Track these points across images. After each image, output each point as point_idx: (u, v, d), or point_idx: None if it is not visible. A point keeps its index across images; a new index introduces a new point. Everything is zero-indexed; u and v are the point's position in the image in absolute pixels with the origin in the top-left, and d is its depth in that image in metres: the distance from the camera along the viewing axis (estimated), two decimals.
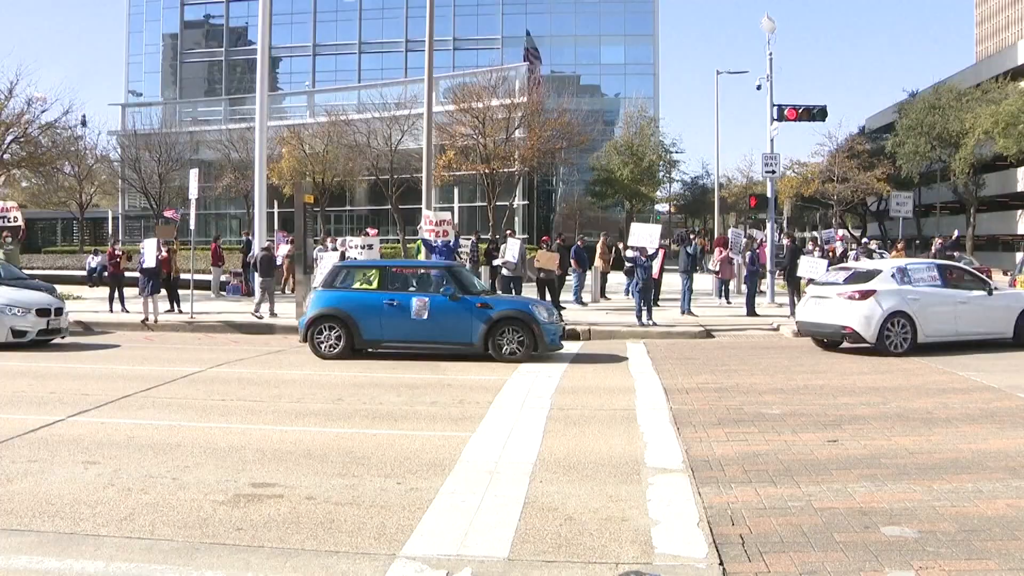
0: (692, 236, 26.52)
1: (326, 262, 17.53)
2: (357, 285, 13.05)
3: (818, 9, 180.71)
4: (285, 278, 25.60)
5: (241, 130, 42.12)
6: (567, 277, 21.43)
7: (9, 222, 21.33)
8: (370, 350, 12.91)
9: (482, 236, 27.12)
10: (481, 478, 6.06)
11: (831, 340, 13.85)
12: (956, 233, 24.95)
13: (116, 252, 20.37)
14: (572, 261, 21.87)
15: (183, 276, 20.40)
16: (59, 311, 14.50)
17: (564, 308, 18.50)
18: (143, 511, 5.28)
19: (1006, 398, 9.27)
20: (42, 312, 14.01)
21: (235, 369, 11.73)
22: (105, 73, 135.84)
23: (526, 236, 38.90)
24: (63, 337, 14.64)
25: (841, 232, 39.84)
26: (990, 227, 51.80)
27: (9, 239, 21.34)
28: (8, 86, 31.69)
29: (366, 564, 4.45)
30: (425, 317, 12.30)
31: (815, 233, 55.24)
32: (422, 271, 13.62)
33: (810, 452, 6.82)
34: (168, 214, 21.61)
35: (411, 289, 12.80)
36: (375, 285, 12.90)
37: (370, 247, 17.41)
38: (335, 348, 12.55)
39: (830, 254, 21.84)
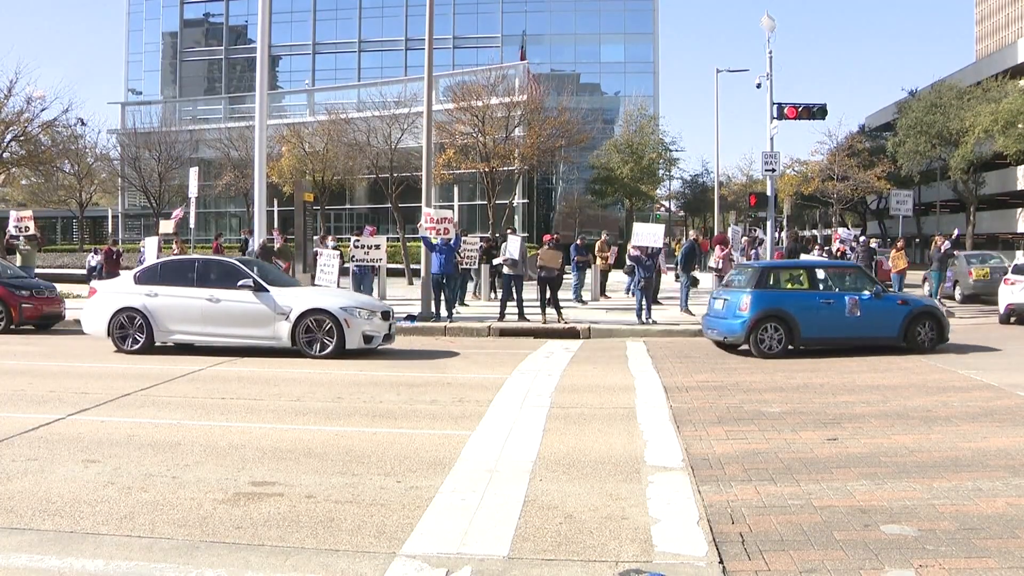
0: (696, 236, 26.48)
1: (324, 260, 17.50)
2: (788, 286, 13.69)
3: (818, 8, 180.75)
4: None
5: (241, 128, 42.08)
6: (565, 275, 21.44)
7: (22, 231, 21.38)
8: (801, 348, 13.20)
9: (482, 236, 27.11)
10: (481, 477, 6.06)
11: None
12: (956, 232, 24.93)
13: (114, 250, 20.40)
14: (575, 257, 21.95)
15: None
16: (393, 314, 13.66)
17: (563, 307, 18.49)
18: (143, 510, 5.28)
19: (1006, 396, 9.28)
20: (385, 316, 13.07)
21: (235, 367, 11.73)
22: (105, 72, 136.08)
23: (526, 235, 38.89)
24: (392, 342, 13.52)
25: (842, 231, 39.84)
26: (990, 225, 51.79)
27: (22, 238, 21.54)
28: (8, 84, 31.64)
29: (366, 562, 4.45)
30: (858, 314, 13.07)
31: (815, 231, 55.22)
32: (839, 272, 14.60)
33: (810, 450, 6.82)
34: (175, 214, 21.57)
35: (833, 288, 13.58)
36: (806, 285, 13.66)
37: (377, 247, 17.33)
38: (775, 348, 12.87)
39: (840, 253, 21.77)
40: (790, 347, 12.99)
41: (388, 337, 13.08)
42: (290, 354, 12.50)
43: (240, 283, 12.51)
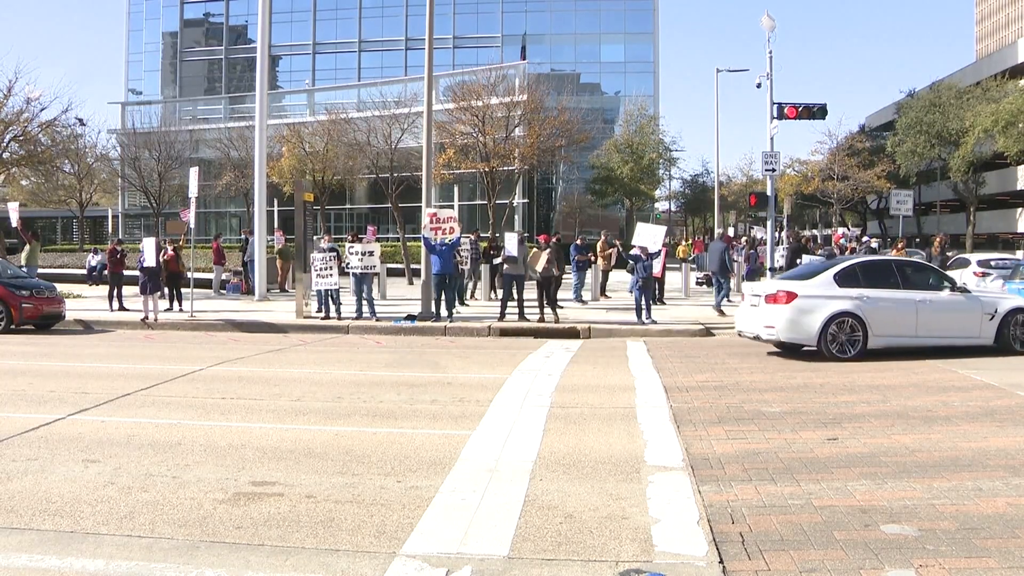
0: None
1: (320, 263, 17.41)
2: None
3: (818, 7, 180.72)
4: (283, 276, 25.66)
5: (241, 128, 42.14)
6: (565, 275, 21.46)
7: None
8: None
9: (482, 235, 27.11)
10: (481, 476, 6.06)
11: None
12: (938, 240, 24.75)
13: (118, 249, 20.38)
14: (575, 257, 22.00)
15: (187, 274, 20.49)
16: None
17: (562, 307, 18.51)
18: (143, 509, 5.28)
19: (1006, 396, 9.27)
20: None
21: (235, 367, 11.73)
22: (105, 71, 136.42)
23: (527, 234, 38.92)
24: None
25: (842, 231, 39.86)
26: (990, 225, 51.82)
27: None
28: (7, 84, 31.59)
29: (366, 562, 4.45)
30: None
31: (815, 231, 55.23)
32: None
33: (810, 450, 6.82)
34: (184, 216, 21.55)
35: None
36: None
37: (371, 253, 17.30)
38: None
39: (847, 251, 21.75)
40: None
41: None
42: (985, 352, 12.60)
43: (946, 285, 12.89)
